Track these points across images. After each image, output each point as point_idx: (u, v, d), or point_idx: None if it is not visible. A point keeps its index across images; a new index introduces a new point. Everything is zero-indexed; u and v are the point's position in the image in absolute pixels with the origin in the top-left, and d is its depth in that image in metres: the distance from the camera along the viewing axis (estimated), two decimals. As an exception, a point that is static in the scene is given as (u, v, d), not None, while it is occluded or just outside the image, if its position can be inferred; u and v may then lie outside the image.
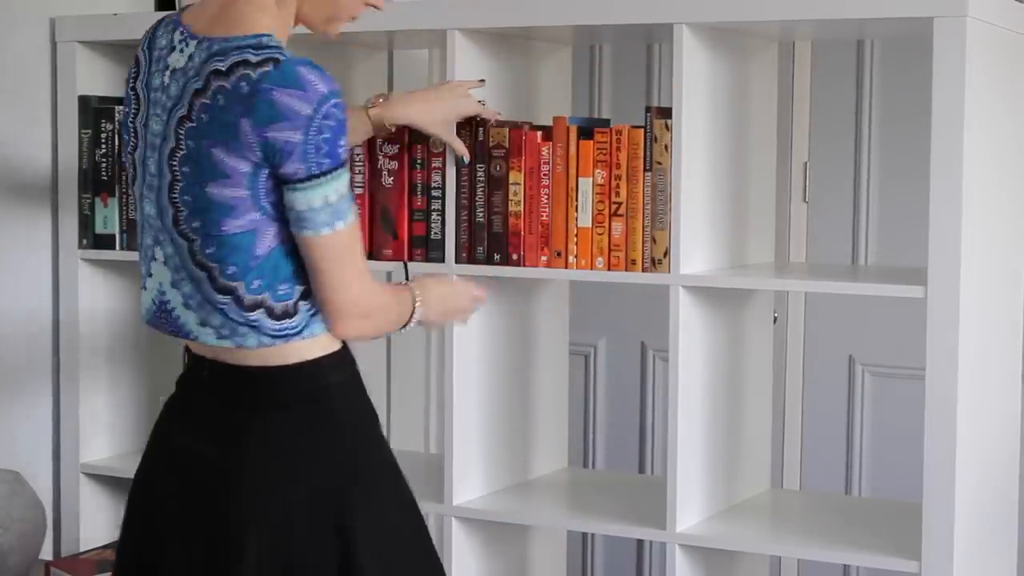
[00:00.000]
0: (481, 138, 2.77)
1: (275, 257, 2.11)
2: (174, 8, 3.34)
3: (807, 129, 3.96)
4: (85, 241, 3.22)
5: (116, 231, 3.18)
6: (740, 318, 2.86)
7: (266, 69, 2.03)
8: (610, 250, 2.71)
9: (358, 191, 2.90)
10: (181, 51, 2.15)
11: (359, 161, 2.90)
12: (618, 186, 2.69)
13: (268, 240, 2.10)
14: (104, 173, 3.18)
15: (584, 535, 4.26)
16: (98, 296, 3.28)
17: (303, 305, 2.14)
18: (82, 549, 3.24)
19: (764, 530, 2.81)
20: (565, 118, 2.75)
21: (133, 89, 2.24)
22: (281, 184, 2.06)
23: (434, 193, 2.82)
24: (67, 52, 3.23)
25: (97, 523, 3.30)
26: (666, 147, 2.64)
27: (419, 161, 2.84)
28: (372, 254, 2.89)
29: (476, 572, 2.93)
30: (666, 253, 2.65)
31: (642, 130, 2.67)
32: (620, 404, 4.29)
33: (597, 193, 2.71)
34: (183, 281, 2.16)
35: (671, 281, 2.65)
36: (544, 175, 2.74)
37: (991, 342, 2.66)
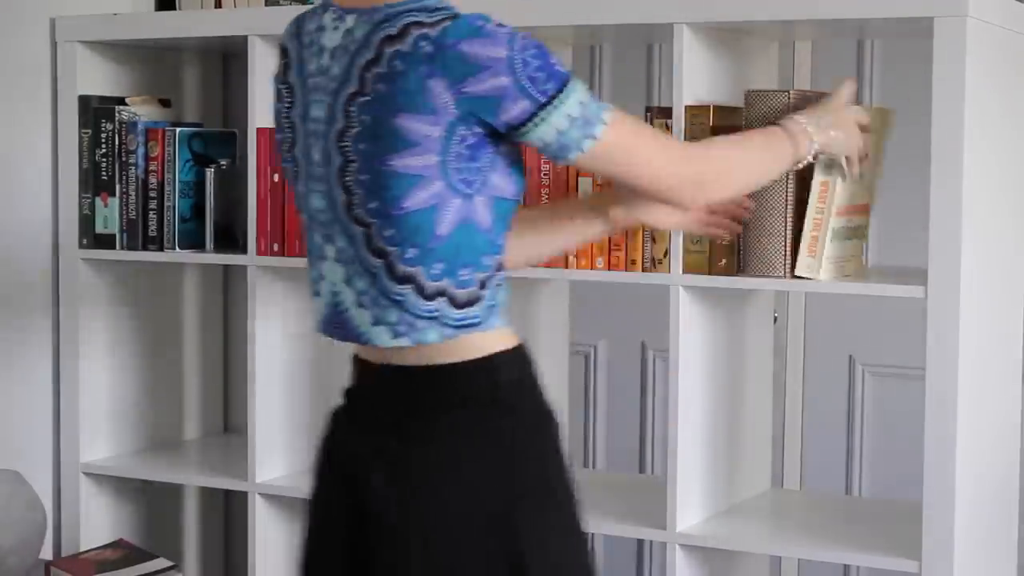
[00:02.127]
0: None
1: (456, 237, 2.00)
2: (174, 8, 3.34)
3: (807, 129, 3.95)
4: (85, 241, 3.22)
5: (116, 231, 3.18)
6: (740, 318, 2.86)
7: (445, 25, 1.94)
8: (610, 250, 2.71)
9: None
10: (335, 28, 2.05)
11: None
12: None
13: (450, 216, 1.99)
14: (104, 173, 3.19)
15: (584, 535, 4.25)
16: (98, 296, 3.28)
17: (484, 293, 2.05)
18: (82, 549, 3.24)
19: (764, 530, 2.81)
20: (565, 118, 2.75)
21: (285, 83, 2.14)
22: (518, 131, 1.97)
23: (434, 193, 2.82)
24: (67, 52, 3.23)
25: (97, 523, 3.31)
26: (666, 147, 2.64)
27: (419, 161, 2.83)
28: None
29: (476, 572, 2.92)
30: (666, 253, 2.65)
31: (642, 130, 2.67)
32: (620, 404, 4.28)
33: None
34: (357, 276, 2.05)
35: (671, 281, 2.65)
36: (544, 175, 2.74)
37: (991, 342, 2.66)
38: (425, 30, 1.95)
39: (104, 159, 3.19)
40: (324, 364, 3.21)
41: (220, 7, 3.26)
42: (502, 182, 2.03)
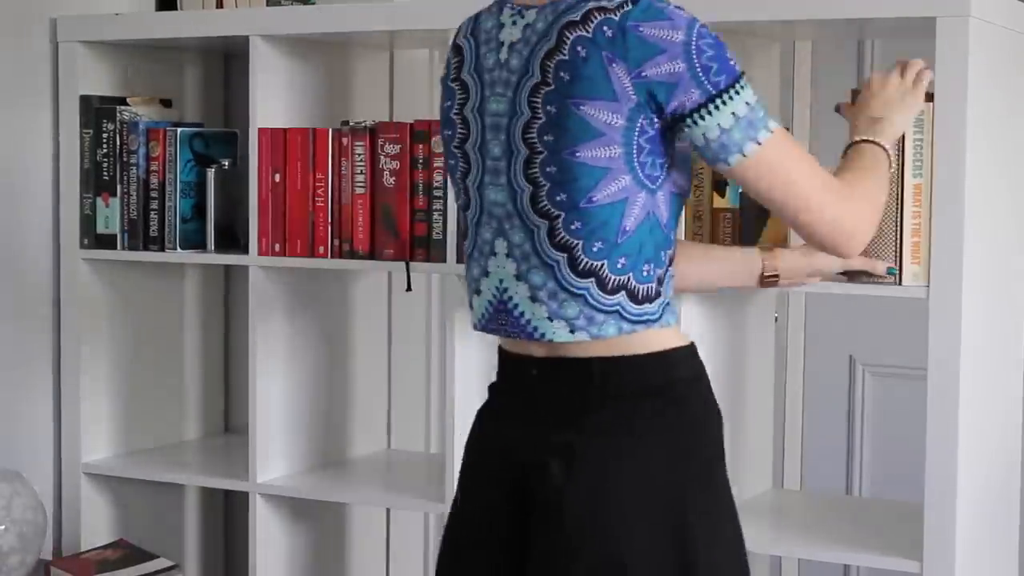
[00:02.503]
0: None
1: (641, 233, 2.01)
2: (175, 8, 3.34)
3: (807, 129, 3.96)
4: (86, 241, 3.22)
5: (117, 231, 3.18)
6: (740, 318, 2.86)
7: (627, 9, 1.94)
8: (611, 250, 2.70)
9: (359, 191, 2.90)
10: (514, 23, 2.05)
11: (361, 161, 2.90)
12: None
13: (636, 211, 2.00)
14: (105, 173, 3.19)
15: (584, 535, 4.25)
16: (99, 296, 3.28)
17: (663, 290, 2.06)
18: (82, 549, 3.24)
19: (764, 530, 2.81)
20: (566, 118, 2.75)
21: (456, 80, 2.13)
22: (684, 122, 1.97)
23: (435, 193, 2.82)
24: (68, 52, 3.23)
25: (97, 523, 3.31)
26: (667, 147, 2.64)
27: (421, 160, 2.84)
28: (373, 254, 2.89)
29: (477, 572, 2.92)
30: (667, 253, 2.65)
31: (643, 130, 2.67)
32: (620, 404, 4.28)
33: (598, 193, 2.70)
34: (532, 271, 2.05)
35: (672, 281, 2.64)
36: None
37: (992, 342, 2.66)
38: (608, 15, 1.94)
39: (105, 159, 3.19)
40: (325, 364, 3.22)
41: (221, 7, 3.26)
42: (680, 177, 2.05)
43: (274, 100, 3.05)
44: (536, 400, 2.11)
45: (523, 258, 2.05)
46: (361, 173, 2.89)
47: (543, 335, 2.06)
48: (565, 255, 2.02)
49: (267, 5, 3.23)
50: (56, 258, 3.28)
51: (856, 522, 2.82)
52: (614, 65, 1.93)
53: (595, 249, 2.01)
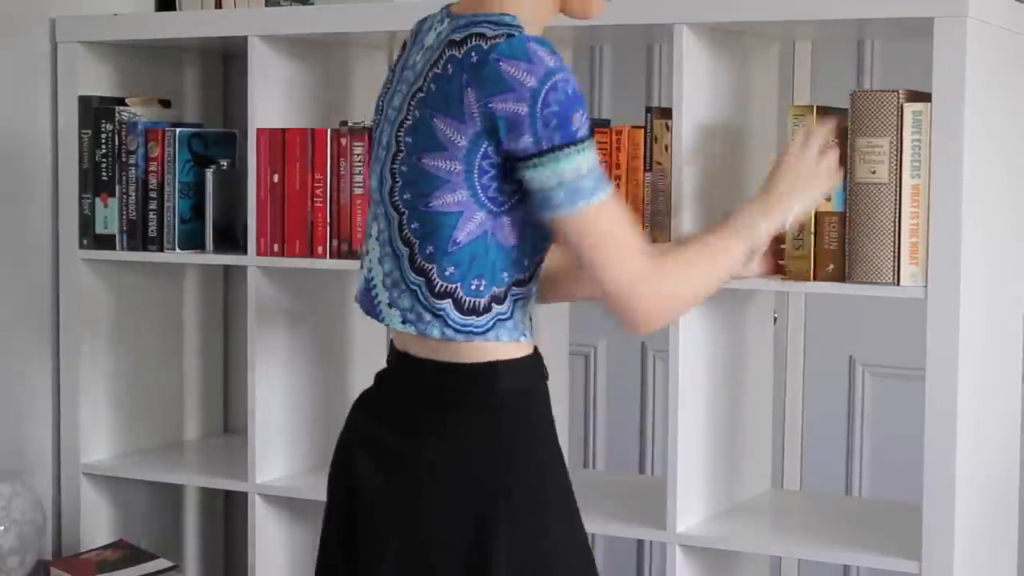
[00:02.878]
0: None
1: (475, 248, 2.05)
2: (175, 8, 3.34)
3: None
4: (85, 241, 3.22)
5: (116, 231, 3.18)
6: (740, 318, 2.86)
7: (498, 41, 1.98)
8: (610, 250, 2.70)
9: (358, 191, 2.90)
10: (434, 28, 2.12)
11: (359, 161, 2.90)
12: (618, 186, 2.69)
13: (471, 227, 2.03)
14: (104, 173, 3.19)
15: (584, 535, 4.25)
16: (98, 296, 3.28)
17: (496, 308, 2.08)
18: (82, 549, 3.24)
19: (764, 530, 2.81)
20: (565, 118, 2.75)
21: (392, 70, 2.21)
22: (515, 164, 2.00)
23: (434, 193, 2.82)
24: (67, 52, 3.23)
25: (97, 523, 3.31)
26: (666, 147, 2.64)
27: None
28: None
29: (476, 572, 2.92)
30: (666, 253, 2.64)
31: (642, 130, 2.67)
32: (620, 404, 4.28)
33: (597, 193, 2.70)
34: (386, 258, 2.12)
35: (671, 281, 2.64)
36: (544, 175, 2.73)
37: (991, 342, 2.66)
38: (480, 42, 1.99)
39: (104, 159, 3.19)
40: (324, 364, 3.22)
41: (220, 7, 3.26)
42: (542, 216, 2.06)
43: (273, 100, 3.05)
44: (382, 392, 2.22)
45: (383, 244, 2.13)
46: (360, 173, 2.89)
47: (383, 318, 2.14)
48: (408, 250, 2.09)
49: (266, 5, 3.23)
50: (55, 258, 3.28)
51: (856, 522, 2.82)
52: (469, 89, 1.99)
53: (427, 252, 2.07)
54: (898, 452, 3.84)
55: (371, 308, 2.17)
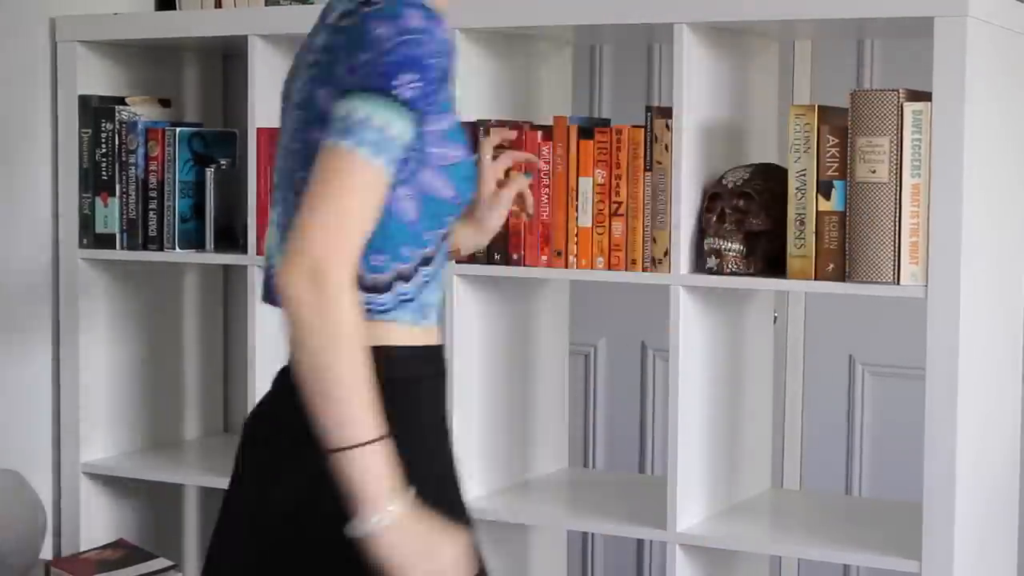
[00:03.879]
0: (482, 137, 2.76)
1: None
2: (174, 8, 3.33)
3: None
4: (85, 241, 3.22)
5: (116, 231, 3.18)
6: (740, 318, 2.86)
7: (379, 5, 1.88)
8: (610, 250, 2.71)
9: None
10: (333, 8, 2.00)
11: (359, 161, 2.89)
12: (618, 186, 2.69)
13: None
14: (104, 173, 3.19)
15: (584, 535, 4.26)
16: (98, 296, 3.28)
17: (398, 286, 1.97)
18: (82, 549, 3.24)
19: (764, 530, 2.81)
20: (565, 118, 2.75)
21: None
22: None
23: (434, 193, 2.82)
24: (67, 52, 3.23)
25: (97, 523, 3.31)
26: (666, 147, 2.64)
27: (419, 161, 2.84)
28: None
29: (476, 572, 2.93)
30: (666, 253, 2.65)
31: (642, 130, 2.68)
32: (620, 404, 4.29)
33: (597, 193, 2.71)
34: (287, 240, 1.94)
35: (671, 281, 2.65)
36: (544, 175, 2.74)
37: (991, 342, 2.66)
38: (365, 8, 1.90)
39: (104, 159, 3.19)
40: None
41: (220, 7, 3.26)
42: (435, 182, 1.97)
43: (273, 100, 3.02)
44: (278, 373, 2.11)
45: (282, 229, 2.01)
46: (360, 173, 2.89)
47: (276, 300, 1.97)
48: None
49: (266, 5, 3.23)
50: (55, 258, 3.28)
51: (856, 522, 2.82)
52: (342, 53, 1.90)
53: None
54: (898, 452, 3.84)
55: (273, 297, 2.03)
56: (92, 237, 3.22)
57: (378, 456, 1.82)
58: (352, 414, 1.83)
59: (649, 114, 2.68)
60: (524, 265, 2.77)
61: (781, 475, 3.99)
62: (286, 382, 2.01)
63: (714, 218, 2.63)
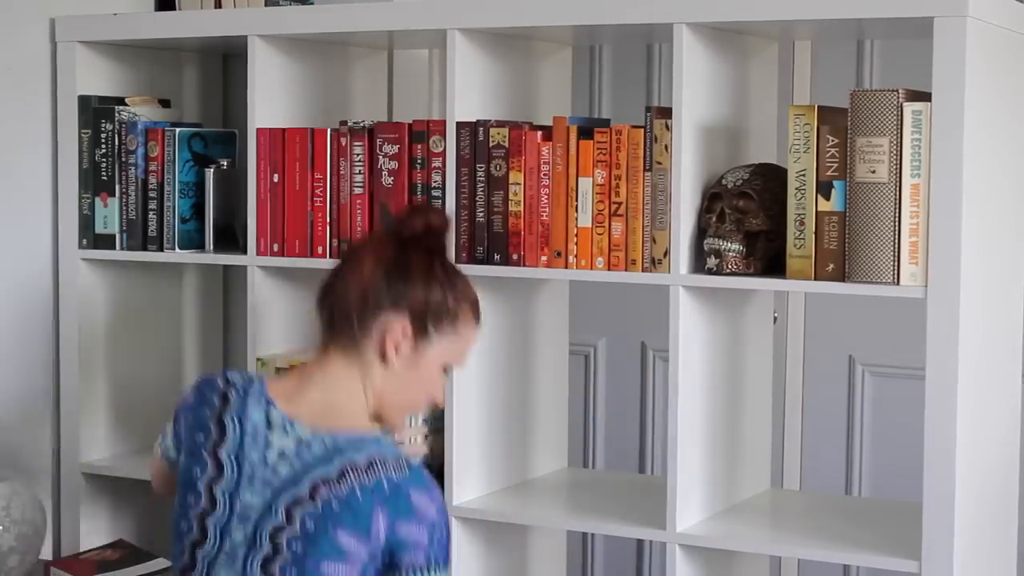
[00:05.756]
0: (481, 138, 2.77)
1: None
2: (174, 8, 3.33)
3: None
4: (85, 241, 3.22)
5: (116, 231, 3.18)
6: (740, 318, 2.86)
7: (404, 473, 2.22)
8: (610, 250, 2.71)
9: (358, 191, 2.90)
10: (286, 433, 2.27)
11: (359, 160, 2.90)
12: (618, 186, 2.69)
13: None
14: (104, 173, 3.19)
15: (584, 535, 4.26)
16: (98, 296, 3.28)
17: None
18: (82, 549, 3.24)
19: (764, 530, 2.81)
20: (565, 118, 2.75)
21: (219, 425, 2.32)
22: (392, 570, 2.22)
23: (434, 193, 2.82)
24: (67, 52, 3.23)
25: (97, 523, 3.31)
26: (666, 147, 2.64)
27: (419, 161, 2.84)
28: (372, 254, 2.89)
29: (476, 572, 2.93)
30: (666, 253, 2.65)
31: (642, 130, 2.68)
32: (620, 404, 4.29)
33: (597, 193, 2.71)
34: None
35: (671, 281, 2.65)
36: (544, 175, 2.74)
37: (991, 342, 2.66)
38: (389, 472, 2.21)
39: (104, 159, 3.19)
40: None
41: (220, 7, 3.26)
42: None
43: (273, 100, 3.05)
44: None
45: (236, 560, 2.27)
46: (360, 173, 2.89)
47: None
48: None
49: (266, 5, 3.23)
50: (55, 258, 3.28)
51: (855, 522, 2.82)
52: (380, 513, 2.19)
53: None
54: (898, 452, 3.85)
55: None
56: (92, 237, 3.22)
57: None
58: None
59: (649, 114, 2.68)
60: (524, 265, 2.77)
61: (781, 475, 3.99)
62: None
63: (714, 218, 2.63)
